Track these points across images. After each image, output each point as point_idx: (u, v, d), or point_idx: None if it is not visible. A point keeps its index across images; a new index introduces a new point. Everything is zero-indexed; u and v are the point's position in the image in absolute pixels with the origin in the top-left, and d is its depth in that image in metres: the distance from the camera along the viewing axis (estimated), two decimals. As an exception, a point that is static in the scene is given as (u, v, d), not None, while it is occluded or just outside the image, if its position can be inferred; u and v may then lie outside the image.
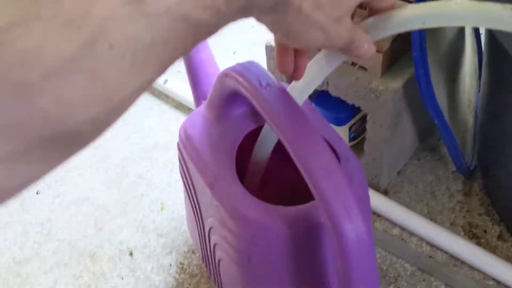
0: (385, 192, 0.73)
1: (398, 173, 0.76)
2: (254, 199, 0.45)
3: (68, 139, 0.22)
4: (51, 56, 0.20)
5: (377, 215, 0.71)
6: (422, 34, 0.58)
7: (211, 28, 0.28)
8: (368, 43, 0.37)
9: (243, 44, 1.03)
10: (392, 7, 0.38)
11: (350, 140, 0.75)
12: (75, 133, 0.22)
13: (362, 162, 0.72)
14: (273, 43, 0.72)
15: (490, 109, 0.68)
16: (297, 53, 0.40)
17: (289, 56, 0.40)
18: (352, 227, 0.38)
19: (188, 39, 0.25)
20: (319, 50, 0.42)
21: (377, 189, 0.73)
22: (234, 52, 1.02)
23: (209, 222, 0.51)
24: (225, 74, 0.47)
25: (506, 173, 0.66)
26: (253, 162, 0.51)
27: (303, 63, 0.41)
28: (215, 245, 0.51)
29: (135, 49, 0.22)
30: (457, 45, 0.75)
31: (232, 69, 0.47)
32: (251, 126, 0.51)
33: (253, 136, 0.51)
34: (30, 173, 0.22)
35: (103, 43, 0.21)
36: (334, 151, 0.49)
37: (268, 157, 0.50)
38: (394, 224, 0.70)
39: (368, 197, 0.49)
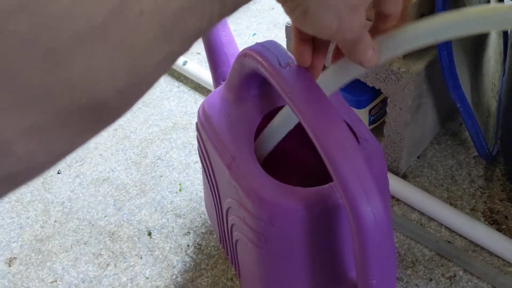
0: (404, 176, 0.73)
1: (418, 157, 0.75)
2: (272, 180, 0.45)
3: (95, 111, 0.21)
4: (81, 21, 0.19)
5: (396, 200, 0.70)
6: (446, 15, 0.57)
7: None
8: (373, 50, 0.37)
9: (262, 25, 1.02)
10: (399, 13, 0.37)
11: (370, 123, 0.74)
12: (102, 105, 0.21)
13: (382, 145, 0.71)
14: (293, 25, 0.72)
15: (514, 93, 0.66)
16: (315, 49, 0.40)
17: (307, 47, 0.40)
18: (370, 209, 0.37)
19: (214, 9, 0.24)
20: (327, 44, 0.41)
21: (396, 173, 0.72)
22: (254, 34, 1.01)
23: (227, 202, 0.51)
24: (244, 54, 0.47)
25: (529, 159, 0.64)
26: (258, 143, 0.50)
27: (320, 62, 0.41)
28: (232, 225, 0.51)
29: (163, 16, 0.21)
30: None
31: (251, 48, 0.46)
32: (270, 107, 0.51)
33: (272, 117, 0.51)
34: (59, 147, 0.21)
35: (134, 9, 0.20)
36: (353, 133, 0.48)
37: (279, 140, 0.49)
38: (413, 208, 0.69)
39: (387, 179, 0.48)
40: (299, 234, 0.45)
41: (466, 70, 0.67)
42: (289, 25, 0.72)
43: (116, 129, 0.84)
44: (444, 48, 0.58)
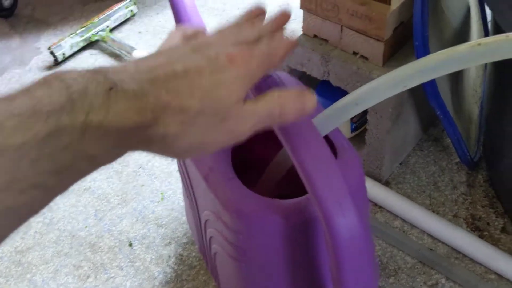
0: (387, 183, 0.73)
1: (401, 163, 0.75)
2: (249, 192, 0.45)
3: None
4: None
5: (379, 207, 0.70)
6: (424, 22, 0.57)
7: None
8: (294, 99, 0.33)
9: (246, 32, 1.02)
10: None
11: (352, 130, 0.74)
12: None
13: (364, 153, 0.71)
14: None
15: (496, 100, 0.67)
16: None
17: None
18: (345, 222, 0.37)
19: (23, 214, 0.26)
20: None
21: (379, 180, 0.72)
22: (238, 41, 1.01)
23: (205, 214, 0.50)
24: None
25: (511, 165, 0.64)
26: (277, 163, 0.49)
27: None
28: (211, 238, 0.51)
29: None
30: (463, 33, 0.73)
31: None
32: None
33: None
34: None
35: None
36: (331, 142, 0.48)
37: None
38: (395, 216, 0.69)
39: (365, 189, 0.48)
40: (278, 246, 0.45)
41: (446, 77, 0.67)
42: (270, 33, 0.72)
43: (97, 138, 0.83)
44: (422, 56, 0.58)
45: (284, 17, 0.36)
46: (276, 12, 0.36)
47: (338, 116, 0.41)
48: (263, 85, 0.37)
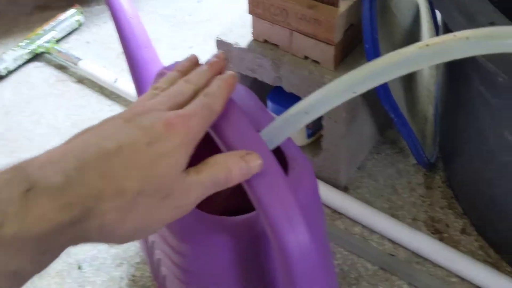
0: (345, 189, 0.71)
1: (359, 168, 0.73)
2: (194, 210, 0.42)
3: None
4: None
5: (338, 214, 0.68)
6: (373, 24, 0.56)
7: None
8: (239, 162, 0.32)
9: (198, 38, 0.99)
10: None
11: (309, 136, 0.72)
12: None
13: (320, 158, 0.69)
14: (223, 37, 0.69)
15: (448, 99, 0.66)
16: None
17: None
18: (295, 239, 0.35)
19: None
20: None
21: (336, 185, 0.70)
22: (190, 47, 0.98)
23: (151, 236, 0.47)
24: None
25: (468, 165, 0.64)
26: None
27: None
28: (158, 260, 0.48)
29: None
30: (414, 33, 0.73)
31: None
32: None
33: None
34: None
35: None
36: (281, 152, 0.46)
37: None
38: (355, 222, 0.67)
39: (319, 200, 0.46)
40: (229, 266, 0.42)
41: (399, 78, 0.66)
42: (219, 39, 0.69)
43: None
44: (373, 59, 0.57)
45: (219, 62, 0.35)
46: (210, 58, 0.34)
47: (287, 127, 0.39)
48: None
